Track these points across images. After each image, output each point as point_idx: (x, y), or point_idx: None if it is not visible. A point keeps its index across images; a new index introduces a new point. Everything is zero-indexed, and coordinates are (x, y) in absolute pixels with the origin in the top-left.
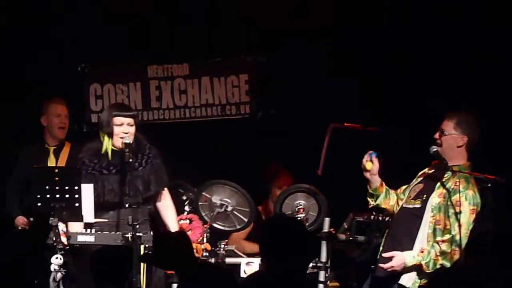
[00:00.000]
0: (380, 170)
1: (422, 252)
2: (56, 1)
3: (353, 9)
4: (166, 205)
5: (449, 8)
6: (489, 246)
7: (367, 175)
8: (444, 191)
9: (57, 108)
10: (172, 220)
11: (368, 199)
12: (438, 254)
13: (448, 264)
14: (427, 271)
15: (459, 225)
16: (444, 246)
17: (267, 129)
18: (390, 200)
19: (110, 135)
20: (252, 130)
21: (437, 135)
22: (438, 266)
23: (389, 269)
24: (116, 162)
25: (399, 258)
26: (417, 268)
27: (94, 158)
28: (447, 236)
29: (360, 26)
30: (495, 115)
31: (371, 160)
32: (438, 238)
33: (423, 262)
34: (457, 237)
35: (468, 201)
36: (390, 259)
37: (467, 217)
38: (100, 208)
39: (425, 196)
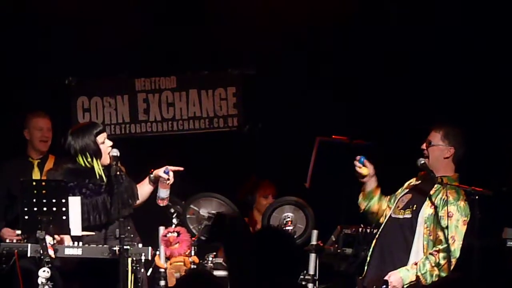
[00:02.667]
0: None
1: (416, 264)
2: (45, 15)
3: (338, 23)
4: None
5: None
6: (475, 260)
7: (365, 179)
8: (435, 202)
9: (39, 122)
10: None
11: (361, 202)
12: (433, 265)
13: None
14: (425, 284)
15: (452, 236)
16: (439, 258)
17: (254, 142)
18: (381, 204)
19: (99, 155)
20: (239, 143)
21: (424, 146)
22: (435, 278)
23: None
24: (103, 179)
25: (396, 277)
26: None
27: (80, 179)
28: (440, 247)
29: (347, 41)
30: (480, 128)
31: (364, 165)
32: (431, 250)
33: (419, 274)
34: (451, 248)
35: (460, 212)
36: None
37: (460, 229)
38: (97, 226)
39: (415, 206)
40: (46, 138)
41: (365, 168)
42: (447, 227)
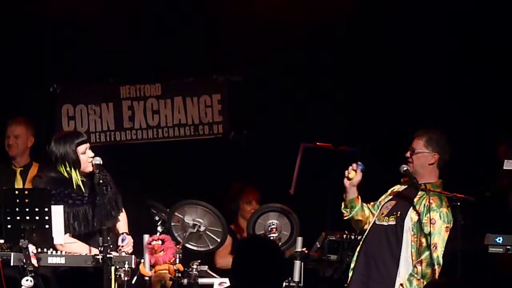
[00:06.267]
0: (360, 184)
1: (402, 285)
2: (30, 22)
3: (324, 33)
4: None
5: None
6: (458, 265)
7: (347, 184)
8: (419, 209)
9: (7, 129)
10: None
11: (343, 210)
12: (419, 277)
13: None
14: None
15: (434, 244)
16: (424, 267)
17: (239, 149)
18: (365, 212)
19: (77, 166)
20: (225, 150)
21: (408, 154)
22: None
23: None
24: (86, 189)
25: None
26: None
27: (62, 188)
28: (423, 256)
29: (332, 49)
30: (464, 134)
31: (355, 170)
32: (414, 260)
33: None
34: (433, 255)
35: (442, 219)
36: None
37: (442, 235)
38: (78, 235)
39: (399, 213)
40: (12, 144)
41: (353, 172)
42: (430, 234)
